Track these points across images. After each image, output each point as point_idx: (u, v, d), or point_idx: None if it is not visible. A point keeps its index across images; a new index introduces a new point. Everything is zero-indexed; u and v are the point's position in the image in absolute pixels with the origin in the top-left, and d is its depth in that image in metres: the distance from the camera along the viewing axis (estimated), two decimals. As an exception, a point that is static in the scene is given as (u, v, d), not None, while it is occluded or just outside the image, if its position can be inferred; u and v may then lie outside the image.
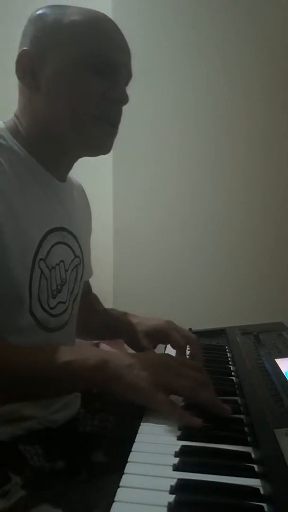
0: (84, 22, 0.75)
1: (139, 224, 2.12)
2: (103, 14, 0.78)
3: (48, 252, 0.77)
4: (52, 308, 0.79)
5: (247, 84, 1.97)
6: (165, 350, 0.95)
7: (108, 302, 2.06)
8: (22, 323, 0.73)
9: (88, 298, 1.06)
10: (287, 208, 2.00)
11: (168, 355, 0.72)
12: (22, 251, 0.72)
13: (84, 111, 0.75)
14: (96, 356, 0.61)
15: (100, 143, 0.80)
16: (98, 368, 0.60)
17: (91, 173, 1.99)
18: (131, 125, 2.05)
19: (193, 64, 2.01)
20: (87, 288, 1.07)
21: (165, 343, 0.92)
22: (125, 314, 1.00)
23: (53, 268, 0.78)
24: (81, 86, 0.75)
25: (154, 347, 0.92)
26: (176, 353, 0.87)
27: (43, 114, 0.77)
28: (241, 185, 2.03)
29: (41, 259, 0.75)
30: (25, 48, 0.76)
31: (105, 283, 2.09)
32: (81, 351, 0.64)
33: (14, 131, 0.78)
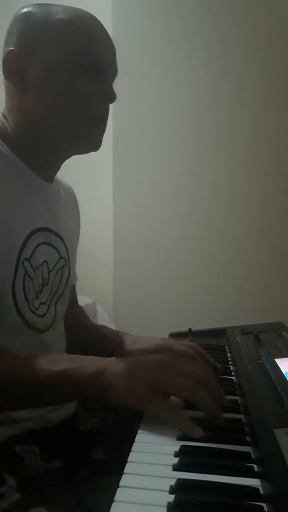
0: (71, 21, 0.75)
1: (139, 224, 2.12)
2: (89, 13, 0.78)
3: (33, 252, 0.76)
4: (37, 309, 0.78)
5: (248, 82, 1.97)
6: None
7: (108, 302, 2.07)
8: (10, 324, 0.73)
9: (74, 313, 1.03)
10: None
11: (171, 353, 0.70)
12: (6, 250, 0.71)
13: (76, 110, 0.76)
14: (93, 364, 0.61)
15: (91, 141, 0.80)
16: (95, 376, 0.59)
17: (91, 174, 1.99)
18: (131, 125, 2.06)
19: (194, 64, 2.02)
20: (73, 297, 1.03)
21: None
22: (117, 332, 0.97)
23: (37, 268, 0.78)
24: (71, 86, 0.75)
25: None
26: None
27: (32, 113, 0.76)
28: (242, 185, 2.03)
29: (25, 259, 0.74)
30: (11, 48, 0.76)
31: (105, 283, 2.09)
32: (79, 359, 0.63)
33: (1, 131, 0.78)
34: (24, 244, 0.74)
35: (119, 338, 0.92)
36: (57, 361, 0.62)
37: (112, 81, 0.82)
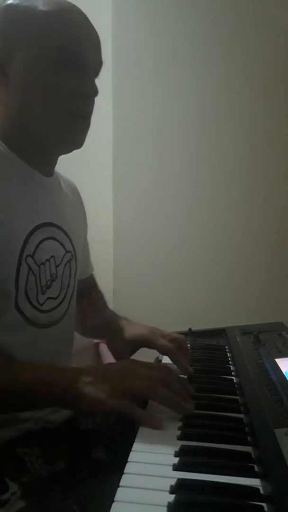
0: (51, 14, 0.73)
1: (139, 223, 2.12)
2: (71, 4, 0.76)
3: (36, 248, 0.76)
4: (41, 304, 0.78)
5: (249, 83, 1.97)
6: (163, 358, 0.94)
7: (108, 301, 2.07)
8: (9, 320, 0.73)
9: (91, 295, 1.06)
10: None
11: (134, 360, 0.73)
12: (7, 247, 0.71)
13: (57, 107, 0.74)
14: (64, 375, 0.65)
15: (74, 138, 0.78)
16: (65, 388, 0.63)
17: (91, 173, 1.99)
18: (131, 125, 2.06)
19: (194, 64, 2.01)
20: (92, 283, 1.08)
21: (152, 348, 0.89)
22: (115, 318, 0.99)
23: (42, 264, 0.77)
24: (50, 82, 0.73)
25: (133, 353, 0.90)
26: (170, 358, 0.84)
27: (16, 110, 0.75)
28: (241, 185, 2.03)
29: (28, 255, 0.74)
30: None
31: (105, 282, 2.08)
32: (55, 371, 0.68)
33: None
34: (26, 241, 0.74)
35: (113, 325, 0.95)
36: (33, 370, 0.67)
37: (97, 73, 0.79)
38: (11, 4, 0.74)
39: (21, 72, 0.73)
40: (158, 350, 0.86)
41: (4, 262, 0.71)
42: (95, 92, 0.76)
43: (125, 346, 0.89)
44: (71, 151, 0.81)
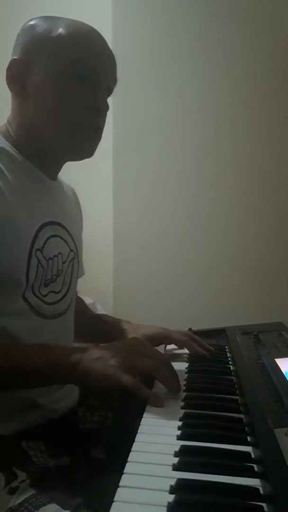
0: (70, 32, 0.78)
1: (139, 224, 2.12)
2: (90, 26, 0.82)
3: (44, 243, 0.80)
4: (44, 296, 0.82)
5: (248, 86, 1.97)
6: (164, 351, 0.95)
7: (108, 302, 2.07)
8: (17, 306, 0.77)
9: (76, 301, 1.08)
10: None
11: (135, 338, 0.78)
12: (18, 240, 0.76)
13: (68, 119, 0.79)
14: (72, 354, 0.68)
15: (84, 149, 0.84)
16: (73, 365, 0.67)
17: (91, 174, 1.99)
18: (131, 127, 2.07)
19: (194, 66, 2.02)
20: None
21: (169, 344, 0.96)
22: (119, 320, 1.03)
23: (50, 259, 0.82)
24: (64, 95, 0.78)
25: None
26: (188, 349, 0.91)
27: (31, 120, 0.81)
28: (241, 186, 2.03)
29: (37, 249, 0.79)
30: (15, 57, 0.80)
31: (105, 283, 2.09)
32: (63, 349, 0.71)
33: (6, 135, 0.83)
34: (35, 236, 0.79)
35: (122, 326, 0.99)
36: (46, 350, 0.71)
37: (111, 90, 0.85)
38: (34, 24, 0.81)
39: (38, 85, 0.79)
40: (175, 344, 0.92)
41: (16, 254, 0.76)
42: (105, 107, 0.82)
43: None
44: (80, 159, 0.86)
